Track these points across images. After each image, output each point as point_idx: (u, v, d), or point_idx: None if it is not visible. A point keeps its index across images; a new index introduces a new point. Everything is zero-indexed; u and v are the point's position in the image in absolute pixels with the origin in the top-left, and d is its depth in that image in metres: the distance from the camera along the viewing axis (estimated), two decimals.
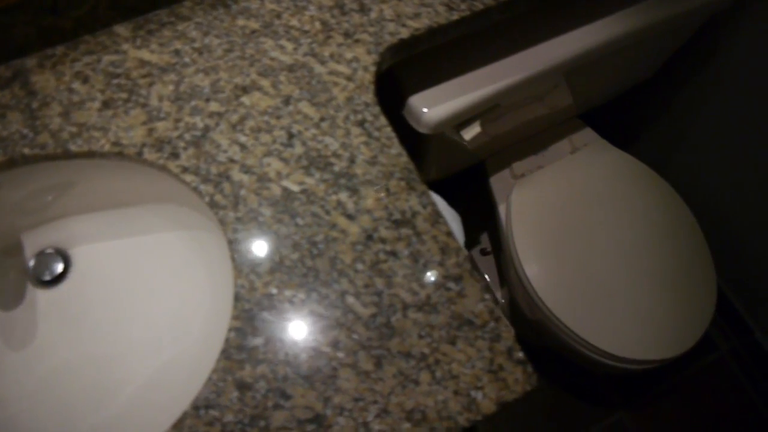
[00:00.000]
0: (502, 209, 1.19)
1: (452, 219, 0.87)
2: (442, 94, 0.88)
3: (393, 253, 0.62)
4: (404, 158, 0.66)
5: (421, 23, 0.75)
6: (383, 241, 0.62)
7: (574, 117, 1.30)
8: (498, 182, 1.21)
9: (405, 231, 0.63)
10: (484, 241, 1.51)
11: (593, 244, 1.13)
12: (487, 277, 1.44)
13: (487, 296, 0.61)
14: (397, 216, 0.64)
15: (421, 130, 0.88)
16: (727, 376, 1.54)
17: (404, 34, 0.74)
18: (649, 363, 1.07)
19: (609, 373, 1.23)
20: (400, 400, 0.56)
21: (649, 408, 1.49)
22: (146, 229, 0.74)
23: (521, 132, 1.23)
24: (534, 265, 1.11)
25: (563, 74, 1.14)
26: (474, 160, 1.22)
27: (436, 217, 0.64)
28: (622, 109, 1.60)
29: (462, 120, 0.91)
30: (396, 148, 0.67)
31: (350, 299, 0.60)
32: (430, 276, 0.61)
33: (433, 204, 0.64)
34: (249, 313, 0.58)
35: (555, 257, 1.12)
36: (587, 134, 1.27)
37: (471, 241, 1.53)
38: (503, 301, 1.38)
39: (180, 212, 0.72)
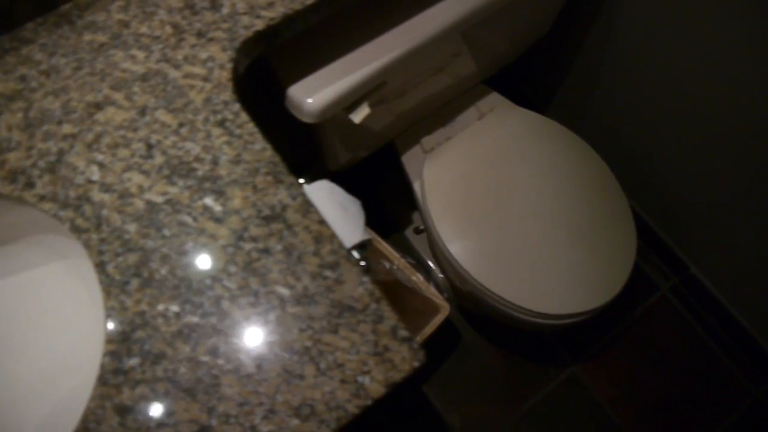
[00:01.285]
0: (417, 186, 1.18)
1: (350, 204, 0.86)
2: (323, 80, 0.86)
3: (266, 250, 0.61)
4: (269, 152, 0.65)
5: (276, 12, 0.73)
6: (254, 239, 0.61)
7: (479, 83, 1.29)
8: (410, 160, 1.20)
9: (276, 226, 0.62)
10: (418, 219, 1.51)
11: (510, 206, 1.13)
12: (430, 263, 1.43)
13: (365, 279, 0.60)
14: (266, 212, 0.62)
15: (306, 120, 0.86)
16: (671, 314, 1.57)
17: (260, 25, 0.72)
18: (579, 315, 1.08)
19: (549, 331, 1.24)
20: (286, 398, 0.55)
21: (600, 357, 1.51)
22: (25, 264, 0.72)
23: (428, 106, 1.23)
24: (453, 238, 1.11)
25: (462, 41, 1.14)
26: (384, 140, 1.21)
27: (307, 207, 0.63)
28: (528, 68, 1.61)
29: (348, 103, 0.90)
30: (260, 143, 0.65)
31: (226, 303, 0.58)
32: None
33: (303, 194, 0.63)
34: (122, 335, 0.57)
35: (473, 226, 1.12)
36: (493, 98, 1.26)
37: (404, 221, 1.52)
38: (442, 276, 1.38)
39: (55, 242, 0.69)
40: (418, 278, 1.23)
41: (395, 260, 1.25)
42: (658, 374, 1.51)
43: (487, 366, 1.47)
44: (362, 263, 0.83)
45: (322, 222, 0.62)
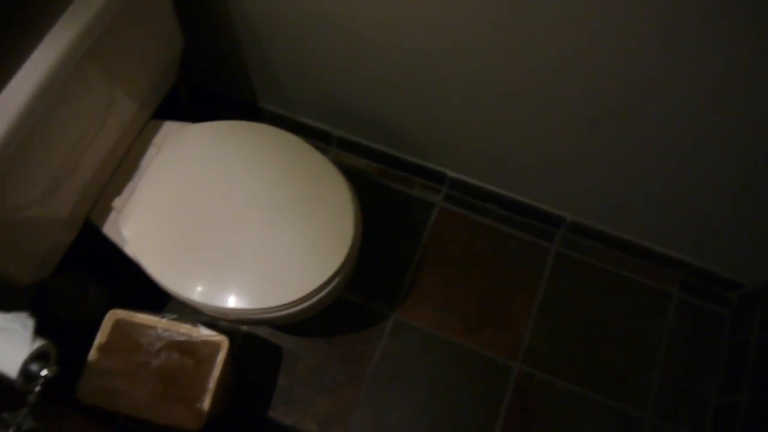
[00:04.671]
0: (128, 250, 1.14)
1: (10, 322, 0.81)
2: None
3: None
4: None
5: None
6: None
7: (150, 120, 1.26)
8: (111, 228, 1.15)
9: None
10: None
11: (220, 221, 1.12)
12: None
13: None
14: None
15: None
16: (455, 220, 1.64)
17: None
18: (333, 279, 1.09)
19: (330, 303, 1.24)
20: None
21: (412, 293, 1.55)
22: None
23: (108, 167, 1.18)
24: (180, 282, 1.09)
25: (107, 89, 1.09)
26: (79, 221, 1.15)
27: None
28: (214, 75, 1.60)
29: None
30: None
31: None
32: None
33: None
34: None
35: (193, 261, 1.09)
36: (165, 128, 1.24)
37: None
38: None
39: None
40: (185, 328, 1.20)
41: (157, 324, 1.21)
42: (468, 278, 1.57)
43: (317, 359, 1.48)
44: (44, 372, 0.78)
45: None
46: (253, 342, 1.48)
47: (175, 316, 1.22)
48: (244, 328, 1.48)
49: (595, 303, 1.57)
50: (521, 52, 1.09)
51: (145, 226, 1.12)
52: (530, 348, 1.51)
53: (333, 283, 1.10)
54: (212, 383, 1.16)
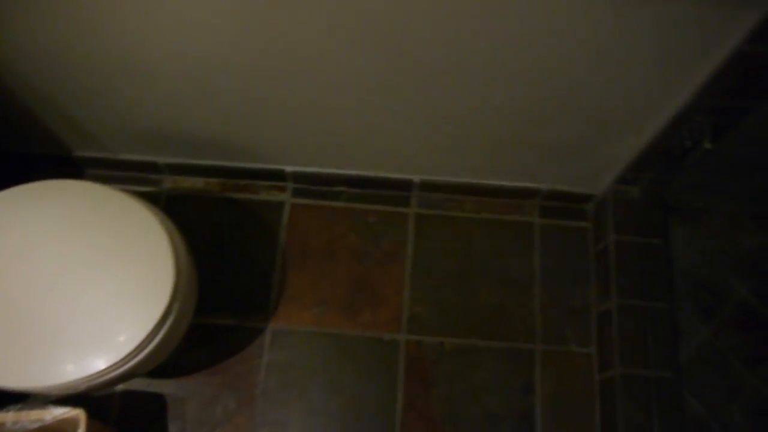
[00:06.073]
0: None
1: None
2: None
3: None
4: None
5: None
6: None
7: None
8: None
9: None
10: None
11: (29, 293, 1.04)
12: None
13: None
14: None
15: None
16: (308, 212, 1.59)
17: None
18: (160, 325, 1.03)
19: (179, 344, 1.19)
20: None
21: (281, 298, 1.50)
22: None
23: None
24: (5, 374, 1.00)
25: None
26: None
27: None
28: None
29: None
30: None
31: None
32: None
33: None
34: None
35: (10, 346, 1.01)
36: None
37: None
38: None
39: None
40: (36, 414, 1.11)
41: (5, 419, 1.11)
42: (336, 266, 1.54)
43: (204, 395, 1.41)
44: None
45: None
46: (132, 398, 1.40)
47: (19, 405, 1.13)
48: (119, 387, 1.40)
49: (464, 253, 1.58)
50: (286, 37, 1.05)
51: None
52: (412, 316, 1.50)
53: (169, 321, 1.04)
54: None
